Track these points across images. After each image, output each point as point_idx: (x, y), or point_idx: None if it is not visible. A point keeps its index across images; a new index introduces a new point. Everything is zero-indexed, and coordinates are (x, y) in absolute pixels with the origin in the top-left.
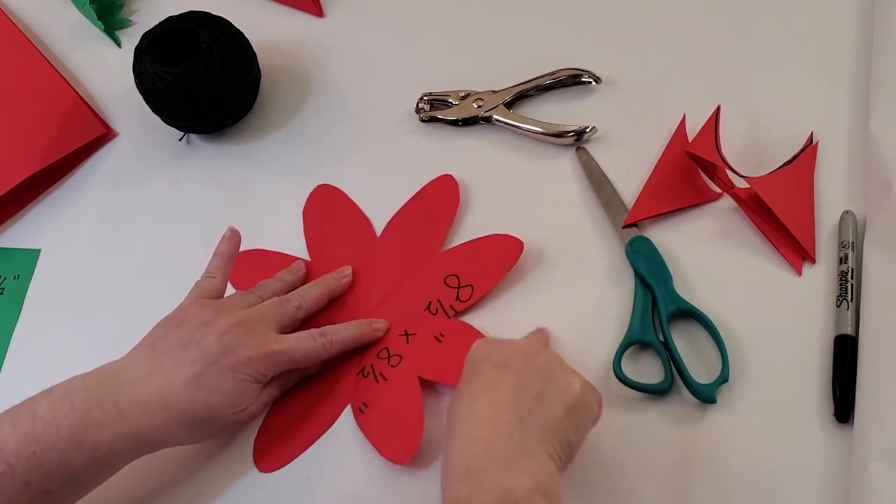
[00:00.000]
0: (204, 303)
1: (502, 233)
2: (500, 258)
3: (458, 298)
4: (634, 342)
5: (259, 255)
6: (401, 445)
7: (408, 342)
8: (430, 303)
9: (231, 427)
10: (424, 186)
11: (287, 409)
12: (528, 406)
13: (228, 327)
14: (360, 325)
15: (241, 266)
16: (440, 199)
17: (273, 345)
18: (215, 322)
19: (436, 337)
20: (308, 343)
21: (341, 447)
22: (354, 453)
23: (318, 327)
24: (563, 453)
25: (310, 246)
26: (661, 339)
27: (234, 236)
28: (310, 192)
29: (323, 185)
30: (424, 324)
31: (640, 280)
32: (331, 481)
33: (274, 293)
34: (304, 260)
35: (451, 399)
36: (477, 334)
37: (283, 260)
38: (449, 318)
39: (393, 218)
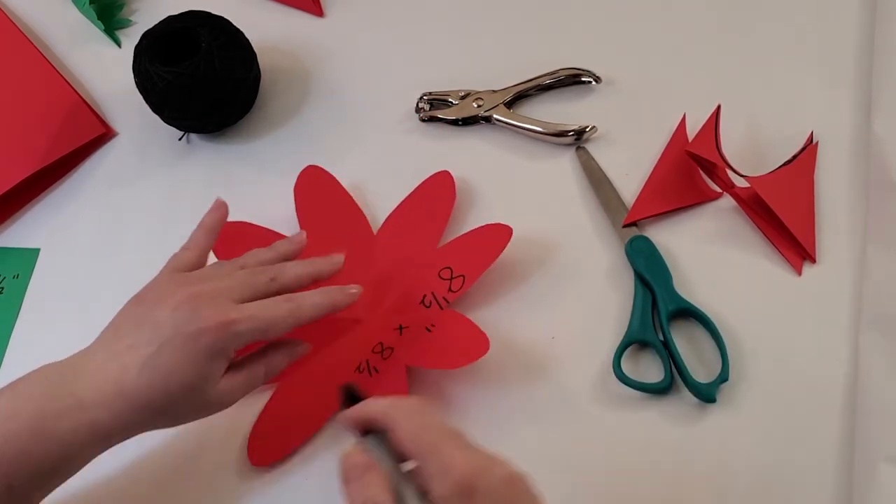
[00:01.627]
0: (171, 277)
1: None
2: (489, 245)
3: (450, 289)
4: (634, 341)
5: (245, 227)
6: None
7: (401, 335)
8: (424, 296)
9: (200, 409)
10: (421, 184)
11: (283, 404)
12: None
13: (182, 300)
14: (331, 289)
15: (227, 238)
16: (437, 195)
17: (231, 314)
18: (171, 296)
19: (427, 328)
20: (272, 309)
21: (343, 448)
22: None
23: (319, 325)
24: None
25: (303, 227)
26: (661, 338)
27: (220, 208)
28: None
29: (311, 166)
30: (418, 317)
31: (640, 279)
32: (331, 482)
33: (260, 264)
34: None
35: None
36: (467, 322)
37: (270, 236)
38: (441, 309)
39: (390, 215)
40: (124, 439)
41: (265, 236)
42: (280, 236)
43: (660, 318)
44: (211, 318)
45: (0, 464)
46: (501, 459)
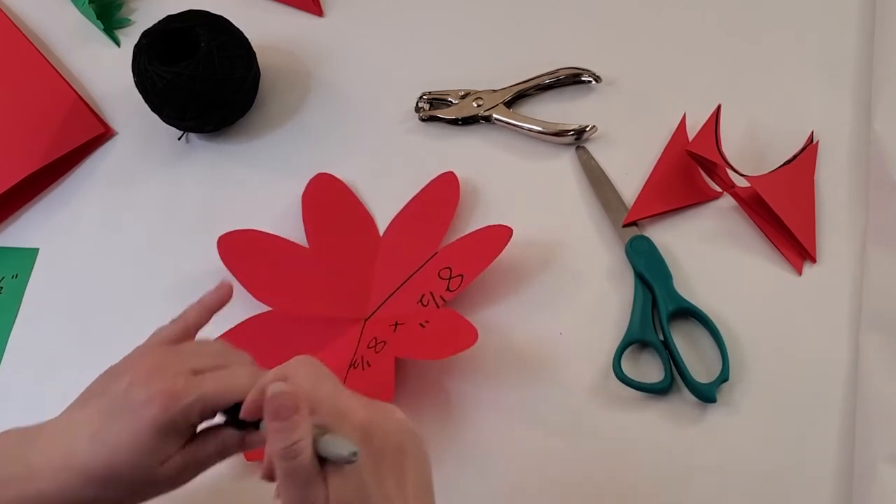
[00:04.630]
0: (147, 349)
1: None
2: (489, 245)
3: (448, 289)
4: (634, 341)
5: (253, 235)
6: None
7: (395, 331)
8: (422, 296)
9: (148, 488)
10: (427, 185)
11: None
12: (425, 500)
13: (141, 372)
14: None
15: (233, 246)
16: (441, 196)
17: (178, 385)
18: (135, 368)
19: (420, 324)
20: (237, 375)
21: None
22: None
23: (321, 325)
24: None
25: (308, 234)
26: (661, 338)
27: (222, 289)
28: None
29: (322, 173)
30: (413, 314)
31: (640, 279)
32: None
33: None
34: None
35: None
36: (456, 316)
37: (275, 241)
38: (438, 307)
39: (396, 217)
40: None
41: (272, 243)
42: (286, 241)
43: (660, 318)
44: (157, 389)
45: None
46: (393, 409)
